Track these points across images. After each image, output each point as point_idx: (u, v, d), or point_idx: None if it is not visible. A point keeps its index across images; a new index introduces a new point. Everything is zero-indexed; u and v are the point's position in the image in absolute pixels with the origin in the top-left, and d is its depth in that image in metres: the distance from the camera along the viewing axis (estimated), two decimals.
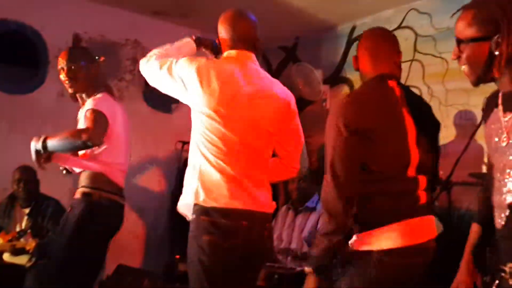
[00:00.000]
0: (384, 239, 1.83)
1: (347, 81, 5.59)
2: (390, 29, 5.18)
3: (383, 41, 2.11)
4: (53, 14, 4.79)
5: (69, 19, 4.86)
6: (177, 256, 4.15)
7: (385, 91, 1.97)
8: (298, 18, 5.33)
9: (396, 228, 1.83)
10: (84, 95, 2.86)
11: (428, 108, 2.12)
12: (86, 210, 2.64)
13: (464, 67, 1.51)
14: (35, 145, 2.61)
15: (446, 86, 4.46)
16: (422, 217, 1.89)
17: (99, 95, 2.78)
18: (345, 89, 5.58)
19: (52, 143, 2.59)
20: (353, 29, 5.56)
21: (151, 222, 5.48)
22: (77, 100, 2.93)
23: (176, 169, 5.17)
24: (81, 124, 2.69)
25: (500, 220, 1.44)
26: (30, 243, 3.67)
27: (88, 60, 2.86)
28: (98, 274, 2.92)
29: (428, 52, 4.66)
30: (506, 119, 1.45)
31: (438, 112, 4.35)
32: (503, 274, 1.44)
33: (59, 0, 4.84)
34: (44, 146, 2.59)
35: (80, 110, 2.86)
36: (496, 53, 1.41)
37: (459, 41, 1.49)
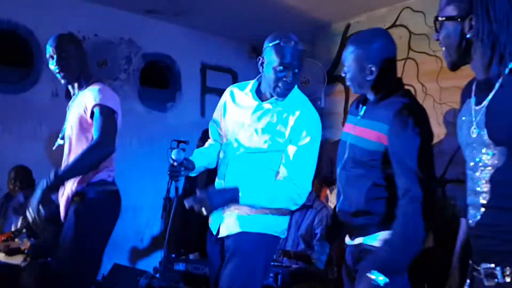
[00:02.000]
0: None
1: (341, 80, 5.59)
2: (384, 27, 5.23)
3: None
4: (46, 13, 4.77)
5: (63, 18, 4.84)
6: (173, 255, 4.14)
7: None
8: (291, 16, 5.33)
9: None
10: (76, 84, 2.73)
11: None
12: (89, 209, 2.57)
13: (443, 50, 1.46)
14: (45, 181, 2.38)
15: (440, 84, 4.48)
16: None
17: (97, 85, 2.65)
18: (340, 88, 5.59)
19: (69, 172, 2.43)
20: (347, 27, 5.57)
21: (146, 221, 5.49)
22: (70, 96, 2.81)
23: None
24: (74, 117, 2.60)
25: (474, 219, 1.39)
26: (25, 243, 3.67)
27: (77, 46, 2.74)
28: (99, 270, 2.86)
29: (422, 51, 4.68)
30: (477, 112, 1.38)
31: (432, 110, 4.40)
32: (475, 273, 1.41)
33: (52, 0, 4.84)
34: (59, 177, 2.39)
35: (73, 100, 2.73)
36: (468, 35, 1.36)
37: (437, 20, 1.44)
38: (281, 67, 2.23)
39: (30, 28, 4.75)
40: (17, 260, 3.72)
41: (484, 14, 1.32)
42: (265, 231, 2.27)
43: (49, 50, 2.68)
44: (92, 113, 2.54)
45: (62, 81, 2.72)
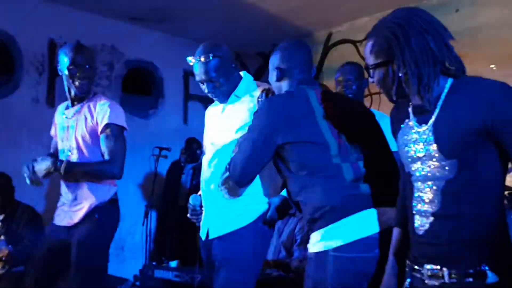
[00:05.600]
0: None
1: (324, 88, 5.63)
2: (365, 36, 5.28)
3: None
4: (28, 19, 4.75)
5: (44, 24, 4.82)
6: (154, 262, 4.13)
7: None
8: (273, 25, 5.38)
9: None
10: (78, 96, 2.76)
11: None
12: (103, 219, 2.69)
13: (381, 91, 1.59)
14: (51, 165, 2.56)
15: None
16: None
17: (104, 99, 2.73)
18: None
19: (79, 168, 2.63)
20: (329, 36, 5.63)
21: (127, 228, 5.45)
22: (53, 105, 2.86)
23: (153, 175, 5.16)
24: (84, 130, 2.65)
25: (421, 227, 1.48)
26: (3, 251, 3.62)
27: (90, 62, 2.74)
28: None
29: None
30: (422, 131, 1.49)
31: None
32: (415, 274, 1.50)
33: (34, 6, 4.81)
34: (70, 166, 2.58)
35: (75, 111, 2.74)
36: (400, 74, 1.47)
37: (367, 68, 1.57)
38: (200, 83, 2.34)
39: (12, 34, 4.72)
40: None
41: (402, 57, 1.46)
42: (244, 222, 2.25)
43: (75, 59, 2.67)
44: (103, 130, 2.63)
45: (78, 92, 2.72)
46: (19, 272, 3.74)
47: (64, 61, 2.67)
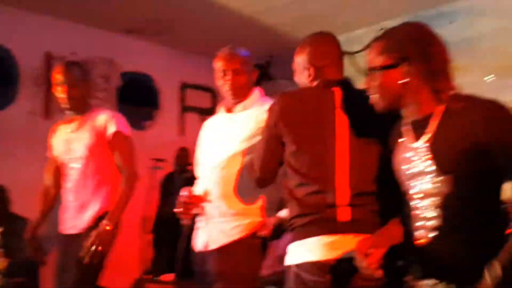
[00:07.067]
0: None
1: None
2: (362, 47, 5.31)
3: None
4: (24, 32, 4.75)
5: (41, 37, 4.83)
6: (146, 276, 4.11)
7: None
8: (271, 36, 5.40)
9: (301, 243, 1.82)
10: (76, 111, 2.79)
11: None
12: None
13: (374, 96, 1.56)
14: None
15: None
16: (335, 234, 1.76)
17: (106, 111, 2.79)
18: None
19: (118, 210, 2.82)
20: None
21: (122, 240, 5.41)
22: (50, 116, 2.90)
23: (149, 187, 5.13)
24: (89, 141, 2.70)
25: (421, 242, 1.47)
26: (1, 263, 3.60)
27: (84, 77, 2.80)
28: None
29: None
30: (417, 147, 1.48)
31: None
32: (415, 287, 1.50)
33: (30, 18, 4.82)
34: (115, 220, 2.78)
35: (79, 126, 2.78)
36: (406, 80, 1.47)
37: (371, 70, 1.54)
38: (220, 73, 2.35)
39: (8, 47, 4.72)
40: None
41: (422, 57, 1.46)
42: (239, 235, 2.26)
43: (57, 79, 2.72)
44: (112, 138, 2.72)
45: (65, 107, 2.77)
46: (17, 283, 3.72)
47: (55, 79, 2.74)
